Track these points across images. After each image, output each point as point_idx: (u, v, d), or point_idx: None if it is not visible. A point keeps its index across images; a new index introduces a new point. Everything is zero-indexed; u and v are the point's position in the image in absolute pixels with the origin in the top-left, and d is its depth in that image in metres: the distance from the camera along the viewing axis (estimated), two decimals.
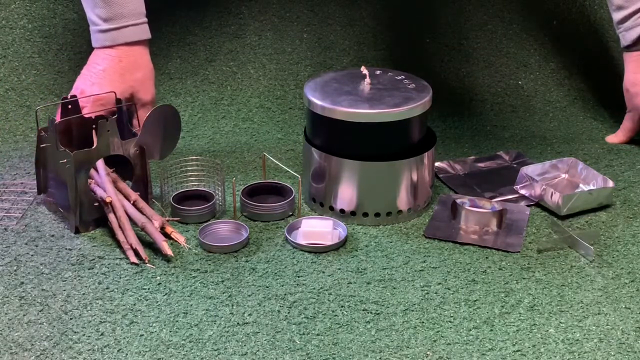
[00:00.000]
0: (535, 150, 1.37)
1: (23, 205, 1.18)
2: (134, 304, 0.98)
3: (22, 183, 1.24)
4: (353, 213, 1.15)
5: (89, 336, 0.93)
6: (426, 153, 1.16)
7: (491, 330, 0.95)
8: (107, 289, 1.01)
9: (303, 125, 1.29)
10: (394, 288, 1.02)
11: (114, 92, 1.18)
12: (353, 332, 0.95)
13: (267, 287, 1.02)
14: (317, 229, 1.11)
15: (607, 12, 1.48)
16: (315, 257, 1.08)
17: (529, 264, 1.07)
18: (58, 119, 1.16)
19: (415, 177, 1.15)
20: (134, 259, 1.06)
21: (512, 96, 1.52)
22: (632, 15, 1.34)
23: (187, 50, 1.51)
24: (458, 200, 1.16)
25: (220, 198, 1.18)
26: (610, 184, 1.19)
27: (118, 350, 0.91)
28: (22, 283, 1.02)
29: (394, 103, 1.12)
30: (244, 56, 1.52)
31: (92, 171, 1.12)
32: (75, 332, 0.94)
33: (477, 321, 0.96)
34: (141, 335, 0.93)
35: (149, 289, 1.01)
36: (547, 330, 0.95)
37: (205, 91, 1.48)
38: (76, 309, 0.98)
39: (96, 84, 1.20)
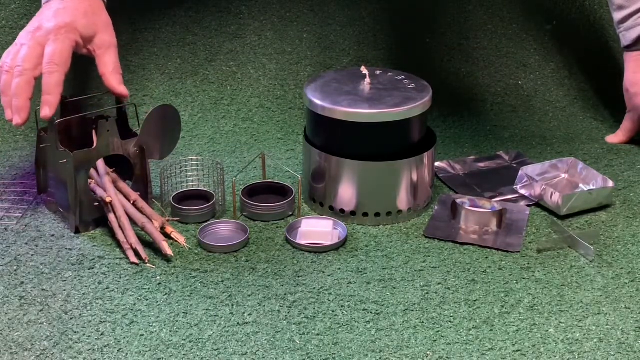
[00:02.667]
0: (535, 150, 1.37)
1: (23, 205, 1.18)
2: (134, 304, 0.98)
3: (22, 183, 1.24)
4: (353, 213, 1.15)
5: (89, 336, 0.93)
6: (426, 153, 1.16)
7: (491, 330, 0.95)
8: (107, 289, 1.01)
9: (303, 125, 1.29)
10: (394, 288, 1.02)
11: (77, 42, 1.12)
12: (353, 332, 0.95)
13: (267, 287, 1.02)
14: (317, 229, 1.11)
15: (607, 12, 1.48)
16: (315, 257, 1.08)
17: (529, 264, 1.07)
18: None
19: (415, 177, 1.15)
20: (134, 259, 1.06)
21: (512, 96, 1.52)
22: (633, 15, 1.34)
23: (187, 50, 1.51)
24: (458, 200, 1.16)
25: (220, 198, 1.18)
26: (610, 184, 1.19)
27: (118, 350, 0.91)
28: (22, 283, 1.02)
29: (394, 103, 1.12)
30: (244, 56, 1.52)
31: (92, 171, 1.12)
32: (75, 332, 0.94)
33: (477, 321, 0.96)
34: (141, 335, 0.93)
35: (149, 289, 1.01)
36: (547, 330, 0.95)
37: (205, 91, 1.48)
38: (76, 309, 0.98)
39: (54, 18, 1.11)
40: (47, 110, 1.08)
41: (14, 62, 1.10)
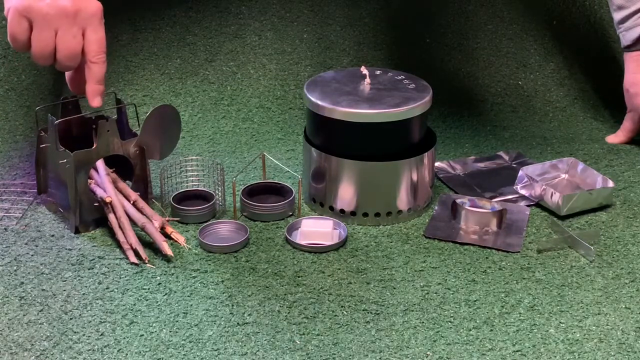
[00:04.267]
0: (535, 150, 1.37)
1: (23, 205, 1.18)
2: (134, 304, 0.98)
3: (22, 183, 1.24)
4: (353, 213, 1.15)
5: (89, 336, 0.93)
6: (426, 153, 1.16)
7: (491, 330, 0.95)
8: (107, 289, 1.01)
9: (303, 125, 1.29)
10: (394, 288, 1.02)
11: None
12: (353, 332, 0.95)
13: (267, 287, 1.02)
14: (317, 229, 1.11)
15: (607, 12, 1.48)
16: (315, 257, 1.08)
17: (529, 264, 1.07)
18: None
19: (415, 177, 1.15)
20: (134, 259, 1.05)
21: (512, 96, 1.52)
22: (633, 15, 1.34)
23: (187, 50, 1.51)
24: (458, 200, 1.16)
25: (220, 198, 1.18)
26: (610, 184, 1.19)
27: (118, 350, 0.91)
28: (22, 283, 1.02)
29: (394, 103, 1.12)
30: (244, 56, 1.52)
31: (92, 171, 1.12)
32: (75, 332, 0.94)
33: (477, 321, 0.96)
34: (141, 335, 0.93)
35: (149, 289, 1.01)
36: (547, 330, 0.95)
37: (205, 91, 1.48)
38: (76, 309, 0.98)
39: None
40: (100, 100, 1.08)
41: (69, 45, 1.02)
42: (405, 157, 1.14)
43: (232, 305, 0.98)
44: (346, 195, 1.15)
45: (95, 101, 1.07)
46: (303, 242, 1.10)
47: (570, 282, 1.03)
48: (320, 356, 0.91)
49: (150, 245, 1.09)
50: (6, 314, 0.97)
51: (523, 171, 1.22)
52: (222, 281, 1.03)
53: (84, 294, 1.00)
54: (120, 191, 1.12)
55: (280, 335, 0.94)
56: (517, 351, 0.92)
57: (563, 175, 1.26)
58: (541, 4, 1.59)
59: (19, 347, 0.92)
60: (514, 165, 1.31)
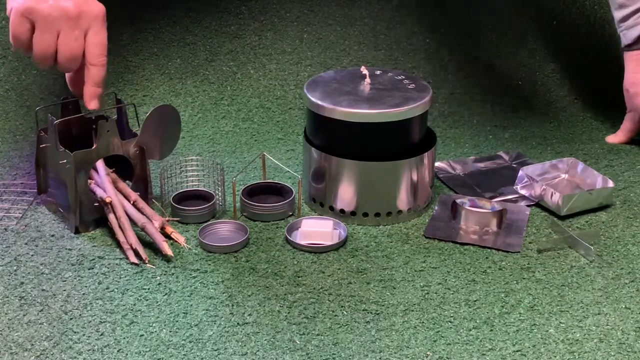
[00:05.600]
0: (535, 150, 1.37)
1: (23, 205, 1.18)
2: (134, 304, 0.98)
3: (22, 183, 1.24)
4: (353, 213, 1.15)
5: (89, 336, 0.93)
6: (426, 153, 1.16)
7: (491, 330, 0.95)
8: (107, 289, 1.01)
9: (303, 125, 1.29)
10: (394, 288, 1.02)
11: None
12: (353, 332, 0.95)
13: (267, 287, 1.02)
14: (317, 229, 1.11)
15: (607, 12, 1.48)
16: (315, 257, 1.08)
17: (529, 264, 1.07)
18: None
19: (415, 177, 1.15)
20: (134, 259, 1.05)
21: (512, 96, 1.52)
22: (634, 14, 1.34)
23: (187, 50, 1.51)
24: (458, 200, 1.16)
25: (220, 198, 1.18)
26: (610, 184, 1.19)
27: (118, 350, 0.91)
28: (22, 283, 1.02)
29: (394, 103, 1.12)
30: (244, 56, 1.52)
31: (92, 171, 1.12)
32: (75, 332, 0.94)
33: (477, 321, 0.96)
34: (141, 335, 0.93)
35: (149, 289, 1.01)
36: (547, 330, 0.95)
37: (205, 91, 1.48)
38: (76, 309, 0.98)
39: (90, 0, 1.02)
40: (97, 103, 1.08)
41: (71, 46, 1.02)
42: (405, 157, 1.14)
43: (232, 305, 0.98)
44: (346, 195, 1.15)
45: (92, 104, 1.08)
46: (303, 242, 1.10)
47: (570, 282, 1.03)
48: (320, 356, 0.91)
49: (150, 245, 1.09)
50: (6, 314, 0.97)
51: (523, 171, 1.22)
52: (222, 281, 1.03)
53: (84, 294, 1.00)
54: (120, 191, 1.12)
55: (280, 335, 0.94)
56: (517, 351, 0.92)
57: (563, 175, 1.26)
58: (541, 4, 1.59)
59: (19, 347, 0.92)
60: (514, 165, 1.31)
